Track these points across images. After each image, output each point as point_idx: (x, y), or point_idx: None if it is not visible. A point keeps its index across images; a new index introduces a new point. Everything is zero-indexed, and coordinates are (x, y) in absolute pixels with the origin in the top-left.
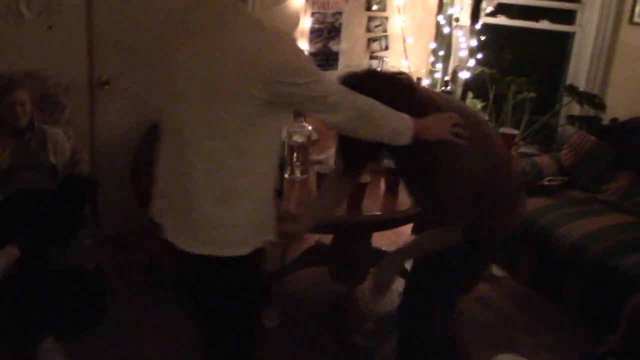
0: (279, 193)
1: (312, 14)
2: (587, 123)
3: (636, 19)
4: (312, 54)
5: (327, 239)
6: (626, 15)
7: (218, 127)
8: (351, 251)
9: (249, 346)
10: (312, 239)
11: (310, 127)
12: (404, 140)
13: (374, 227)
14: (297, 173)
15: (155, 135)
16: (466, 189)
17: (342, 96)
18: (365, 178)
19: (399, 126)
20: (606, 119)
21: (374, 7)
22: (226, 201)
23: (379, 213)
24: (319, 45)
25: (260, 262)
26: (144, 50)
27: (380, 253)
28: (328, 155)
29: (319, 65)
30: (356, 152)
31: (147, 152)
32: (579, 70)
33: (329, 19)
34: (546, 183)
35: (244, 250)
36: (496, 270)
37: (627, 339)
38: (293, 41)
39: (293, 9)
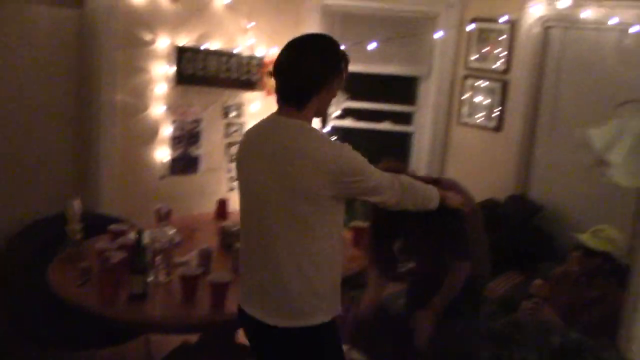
0: (143, 296)
1: (173, 122)
2: None
3: (463, 120)
4: (174, 160)
5: (193, 337)
6: (455, 116)
7: (300, 222)
8: (218, 348)
9: None
10: (178, 339)
11: (172, 231)
12: (434, 205)
13: (237, 324)
14: (161, 276)
15: (22, 240)
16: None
17: (389, 180)
18: (226, 277)
19: (431, 194)
20: None
21: (232, 114)
22: (310, 279)
23: None
24: (180, 150)
25: (335, 331)
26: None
27: (245, 348)
28: (189, 258)
29: (180, 170)
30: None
31: (13, 258)
32: (420, 164)
33: (189, 126)
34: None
35: (326, 318)
36: (355, 355)
37: None
38: (351, 149)
39: (152, 118)
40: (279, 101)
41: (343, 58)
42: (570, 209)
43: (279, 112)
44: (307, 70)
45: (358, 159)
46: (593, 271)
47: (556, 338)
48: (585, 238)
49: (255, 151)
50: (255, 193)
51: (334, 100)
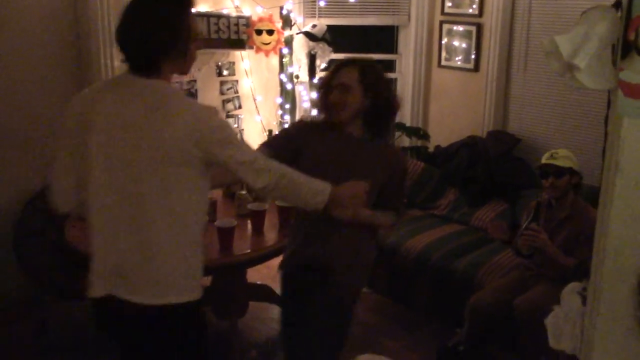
0: None
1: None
2: (416, 152)
3: (443, 63)
4: None
5: (207, 280)
6: (435, 60)
7: (166, 187)
8: (229, 288)
9: None
10: None
11: None
12: (322, 202)
13: (246, 264)
14: None
15: (35, 206)
16: None
17: (265, 161)
18: (232, 222)
19: (316, 186)
20: (431, 146)
21: (225, 73)
22: (180, 250)
23: (248, 251)
24: None
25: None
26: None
27: (256, 286)
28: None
29: None
30: None
31: (28, 223)
32: (404, 108)
33: (185, 86)
34: None
35: (197, 295)
36: None
37: (470, 331)
38: (218, 113)
39: None
40: (131, 72)
41: (183, 14)
42: (544, 138)
43: (132, 72)
44: (145, 36)
45: (224, 125)
46: (563, 190)
47: None
48: (551, 161)
49: (109, 113)
50: (115, 159)
51: (319, 53)
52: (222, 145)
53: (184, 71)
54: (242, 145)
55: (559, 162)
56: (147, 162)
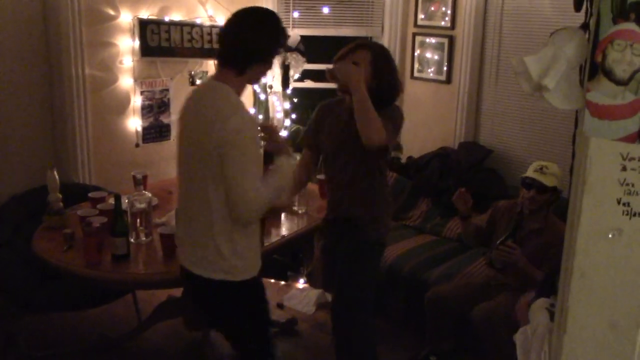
0: (126, 257)
1: (142, 93)
2: (389, 163)
3: (416, 74)
4: (146, 128)
5: (178, 292)
6: (408, 72)
7: (210, 180)
8: None
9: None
10: (164, 294)
11: (149, 194)
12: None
13: None
14: (142, 237)
15: (2, 216)
16: None
17: (256, 193)
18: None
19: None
20: (404, 158)
21: (197, 82)
22: (222, 238)
23: None
24: (150, 119)
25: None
26: None
27: None
28: (169, 217)
29: (153, 138)
30: None
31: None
32: None
33: (158, 96)
34: None
35: (241, 277)
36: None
37: (433, 327)
38: (246, 120)
39: (122, 90)
40: (219, 65)
41: (283, 34)
42: (515, 150)
43: (215, 76)
44: (253, 39)
45: (247, 133)
46: (540, 205)
47: None
48: (538, 177)
49: (187, 113)
50: (183, 151)
51: (293, 64)
52: (225, 149)
53: (257, 81)
54: (247, 151)
55: (546, 180)
56: (192, 157)
